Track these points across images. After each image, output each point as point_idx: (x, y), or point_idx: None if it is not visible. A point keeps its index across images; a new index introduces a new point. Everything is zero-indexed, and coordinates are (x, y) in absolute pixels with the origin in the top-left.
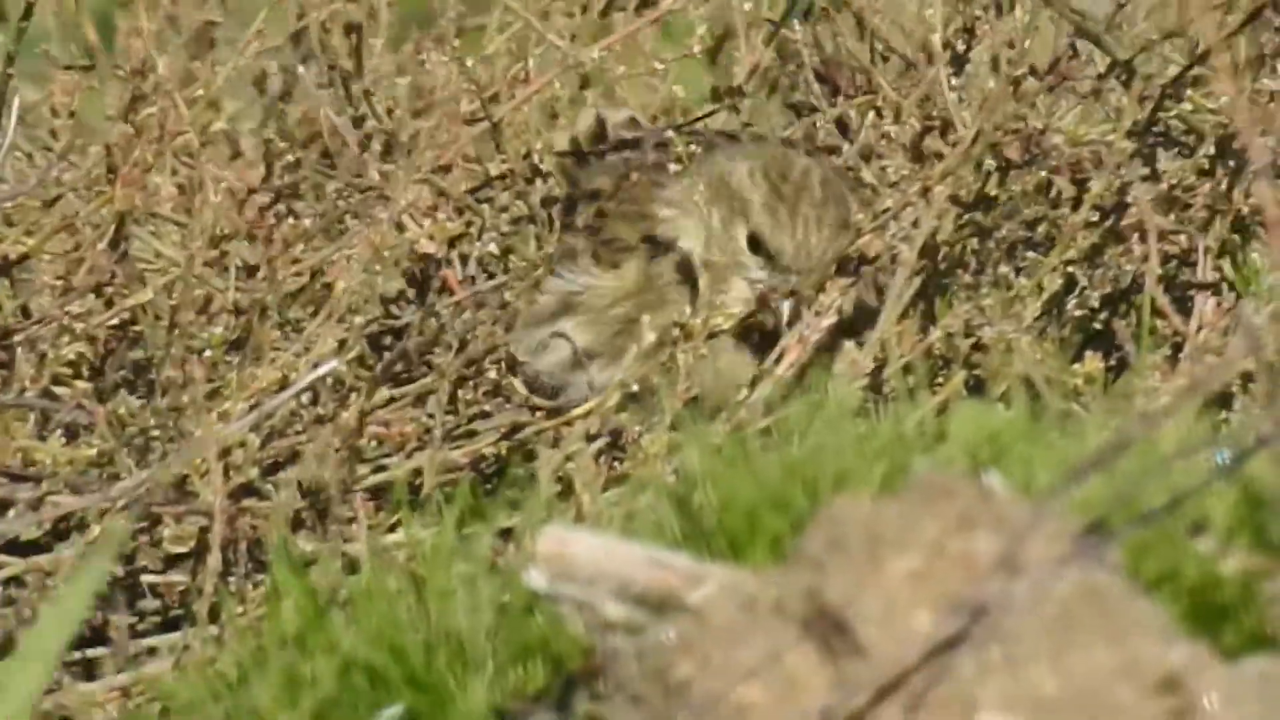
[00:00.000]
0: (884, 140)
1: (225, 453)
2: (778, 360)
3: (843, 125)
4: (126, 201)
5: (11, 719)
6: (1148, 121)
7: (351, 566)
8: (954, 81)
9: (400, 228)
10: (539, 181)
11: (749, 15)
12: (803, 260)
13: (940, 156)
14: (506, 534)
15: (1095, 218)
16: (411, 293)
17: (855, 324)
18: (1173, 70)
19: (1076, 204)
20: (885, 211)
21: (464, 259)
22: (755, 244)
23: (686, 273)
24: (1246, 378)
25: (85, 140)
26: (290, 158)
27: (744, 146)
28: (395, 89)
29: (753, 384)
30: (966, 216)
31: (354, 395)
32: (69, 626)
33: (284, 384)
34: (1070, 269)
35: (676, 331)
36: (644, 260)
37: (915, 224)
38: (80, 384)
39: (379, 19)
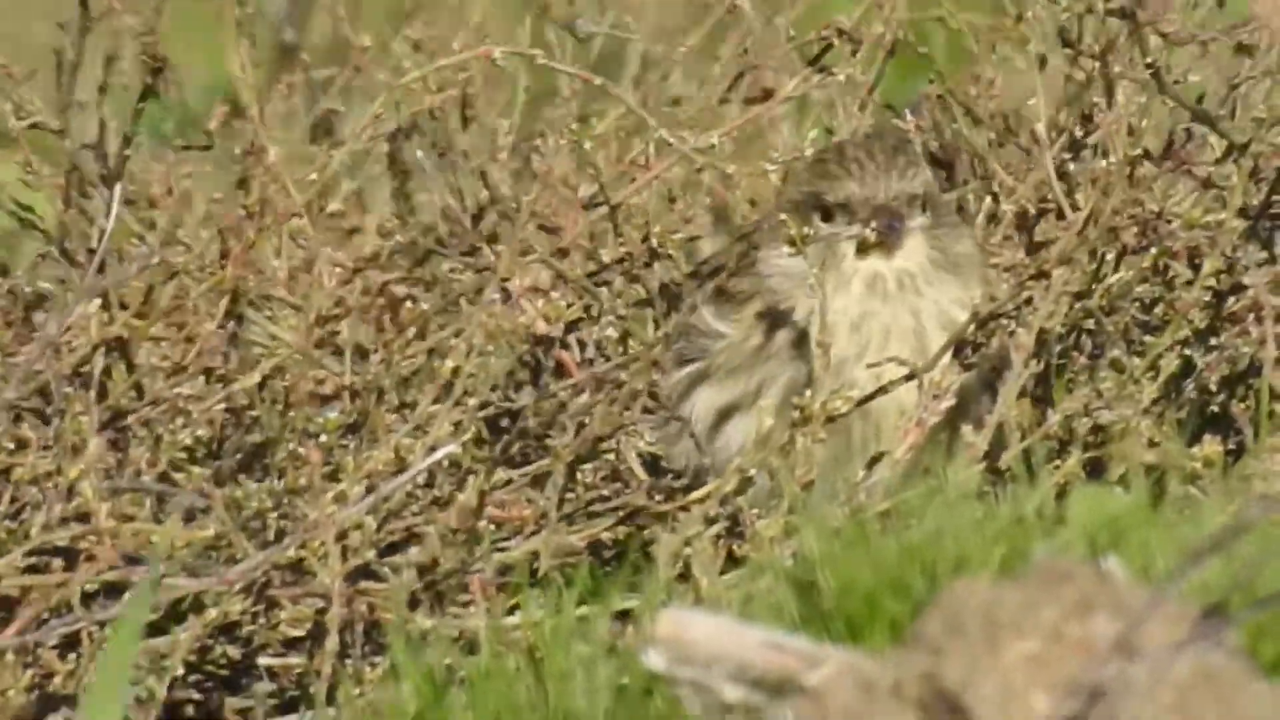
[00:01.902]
0: (996, 224)
1: (342, 535)
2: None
3: (960, 209)
4: (236, 281)
5: None
6: (1264, 203)
7: (470, 647)
8: (1071, 167)
9: (516, 308)
10: (656, 265)
11: (848, 84)
12: (873, 188)
13: (1055, 239)
14: (624, 616)
15: (1210, 298)
16: (527, 375)
17: (973, 407)
18: None
19: (1192, 286)
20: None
21: (581, 344)
22: (827, 214)
23: (800, 349)
24: None
25: (196, 221)
26: (402, 238)
27: None
28: (513, 171)
29: (870, 465)
30: (1082, 300)
31: (471, 477)
32: (116, 687)
33: (400, 466)
34: (1187, 351)
35: (796, 414)
36: (761, 307)
37: (1031, 306)
38: (196, 470)
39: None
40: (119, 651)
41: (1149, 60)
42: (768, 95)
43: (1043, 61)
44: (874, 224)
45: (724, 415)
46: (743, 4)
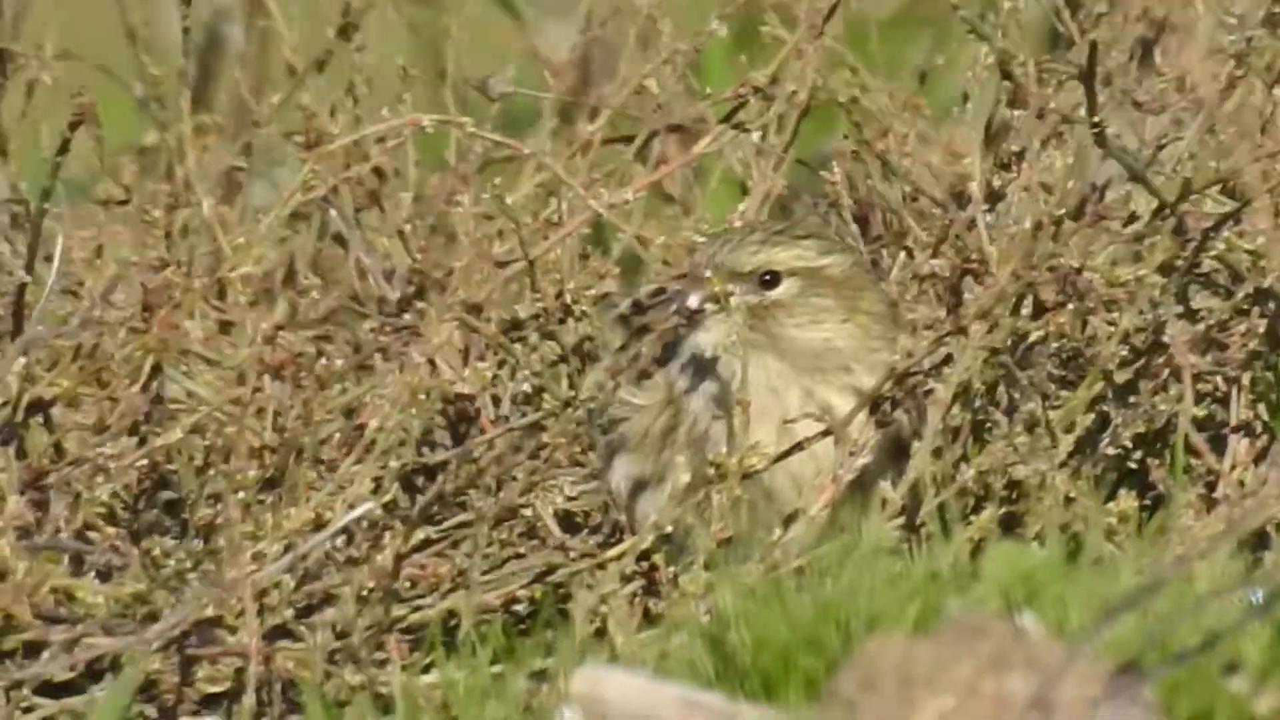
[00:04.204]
0: (915, 280)
1: (261, 594)
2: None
3: (875, 265)
4: (161, 342)
5: None
6: (1189, 263)
7: (386, 707)
8: (989, 219)
9: (434, 367)
10: (571, 321)
11: (761, 150)
12: (708, 258)
13: (974, 294)
14: (540, 675)
15: (1129, 354)
16: (444, 432)
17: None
18: (1210, 207)
19: (1109, 341)
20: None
21: (496, 400)
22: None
23: (722, 405)
24: None
25: (115, 278)
26: (317, 295)
27: None
28: (425, 230)
29: (786, 524)
30: (1001, 356)
31: (389, 536)
32: None
33: (319, 524)
34: (1104, 408)
35: (713, 470)
36: (669, 376)
37: (949, 362)
38: (111, 529)
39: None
40: None
41: (1095, 120)
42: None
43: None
44: (675, 299)
45: (638, 487)
46: (649, 84)
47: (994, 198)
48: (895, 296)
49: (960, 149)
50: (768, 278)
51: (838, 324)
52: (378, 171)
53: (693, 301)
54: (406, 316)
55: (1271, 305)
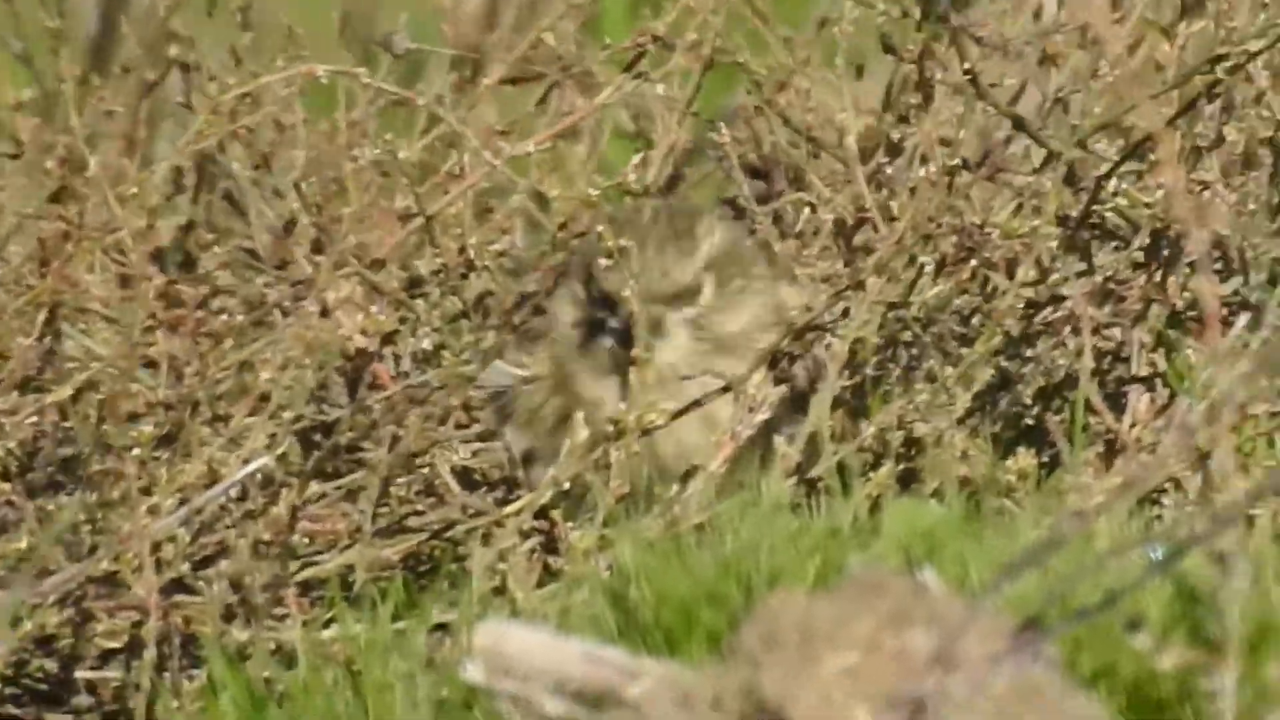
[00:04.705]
0: (815, 234)
1: (157, 548)
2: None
3: (778, 219)
4: (55, 295)
5: None
6: (1082, 214)
7: (288, 661)
8: (888, 175)
9: (330, 321)
10: (473, 277)
11: (667, 103)
12: (624, 285)
13: (872, 249)
14: (442, 629)
15: (1026, 308)
16: (342, 388)
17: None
18: (1106, 165)
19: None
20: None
21: (396, 356)
22: (607, 302)
23: (619, 365)
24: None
25: (9, 232)
26: (217, 250)
27: None
28: (324, 184)
29: (685, 479)
30: (899, 310)
31: (284, 491)
32: None
33: (214, 479)
34: (1003, 363)
35: (611, 427)
36: (564, 341)
37: (846, 317)
38: (5, 485)
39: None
40: None
41: (966, 67)
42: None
43: (858, 71)
44: (611, 334)
45: (529, 457)
46: (547, 37)
47: (893, 151)
48: (794, 249)
49: (864, 103)
50: (690, 290)
51: (748, 297)
52: (277, 125)
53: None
54: (305, 270)
55: (1167, 256)
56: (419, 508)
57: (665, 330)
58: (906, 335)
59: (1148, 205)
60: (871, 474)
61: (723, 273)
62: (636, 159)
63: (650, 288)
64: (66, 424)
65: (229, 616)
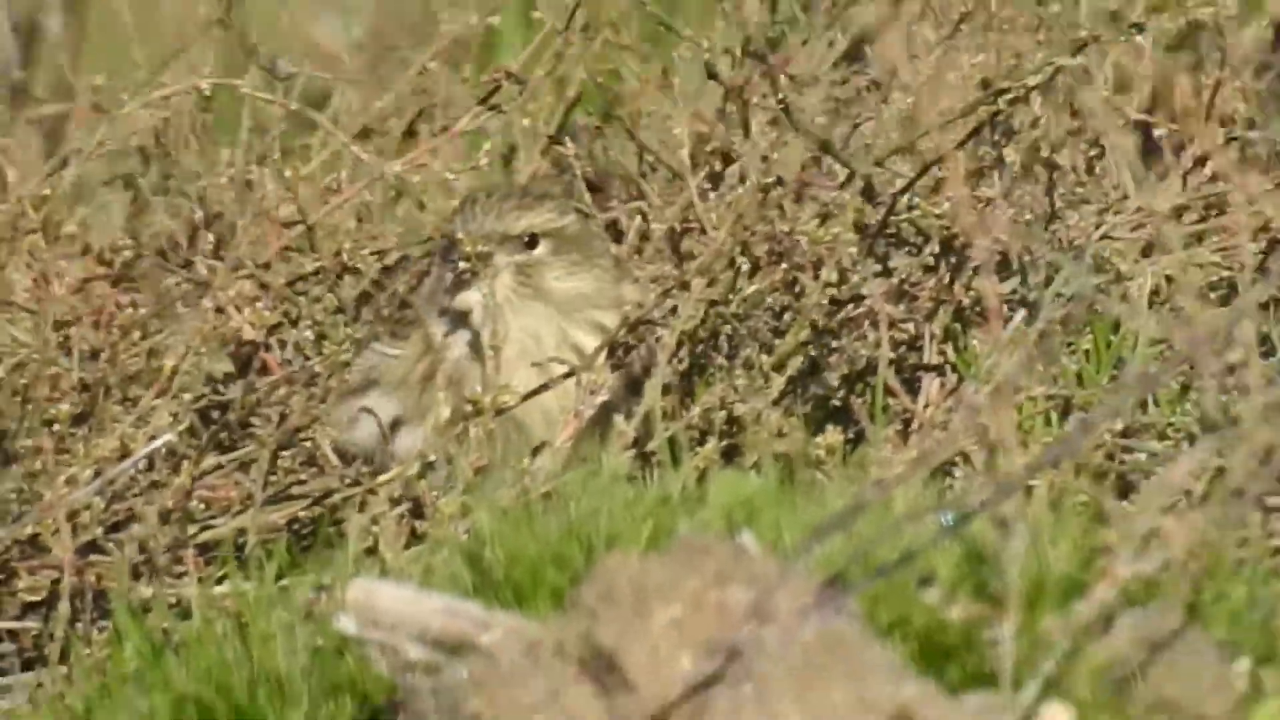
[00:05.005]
0: (646, 241)
1: (73, 514)
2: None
3: (613, 225)
4: None
5: None
6: (880, 224)
7: (184, 614)
8: (712, 192)
9: (225, 315)
10: (348, 277)
11: (530, 131)
12: (463, 229)
13: (697, 254)
14: (320, 586)
15: (831, 305)
16: (235, 373)
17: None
18: (902, 181)
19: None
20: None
21: (283, 344)
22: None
23: (477, 351)
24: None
25: None
26: (129, 254)
27: None
28: (224, 195)
29: (534, 454)
30: (720, 307)
31: (185, 463)
32: None
33: (125, 453)
34: (812, 353)
35: (469, 406)
36: (425, 331)
37: (674, 313)
38: None
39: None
40: None
41: (780, 96)
42: (443, 128)
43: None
44: (445, 265)
45: (396, 424)
46: (432, 66)
47: (718, 167)
48: (627, 253)
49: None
50: (528, 239)
51: (584, 272)
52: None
53: (461, 264)
54: (203, 270)
55: (954, 261)
56: (302, 478)
57: (492, 267)
58: (727, 329)
59: (937, 217)
60: (698, 449)
61: (562, 243)
62: (486, 146)
63: (483, 228)
64: None
65: (135, 575)
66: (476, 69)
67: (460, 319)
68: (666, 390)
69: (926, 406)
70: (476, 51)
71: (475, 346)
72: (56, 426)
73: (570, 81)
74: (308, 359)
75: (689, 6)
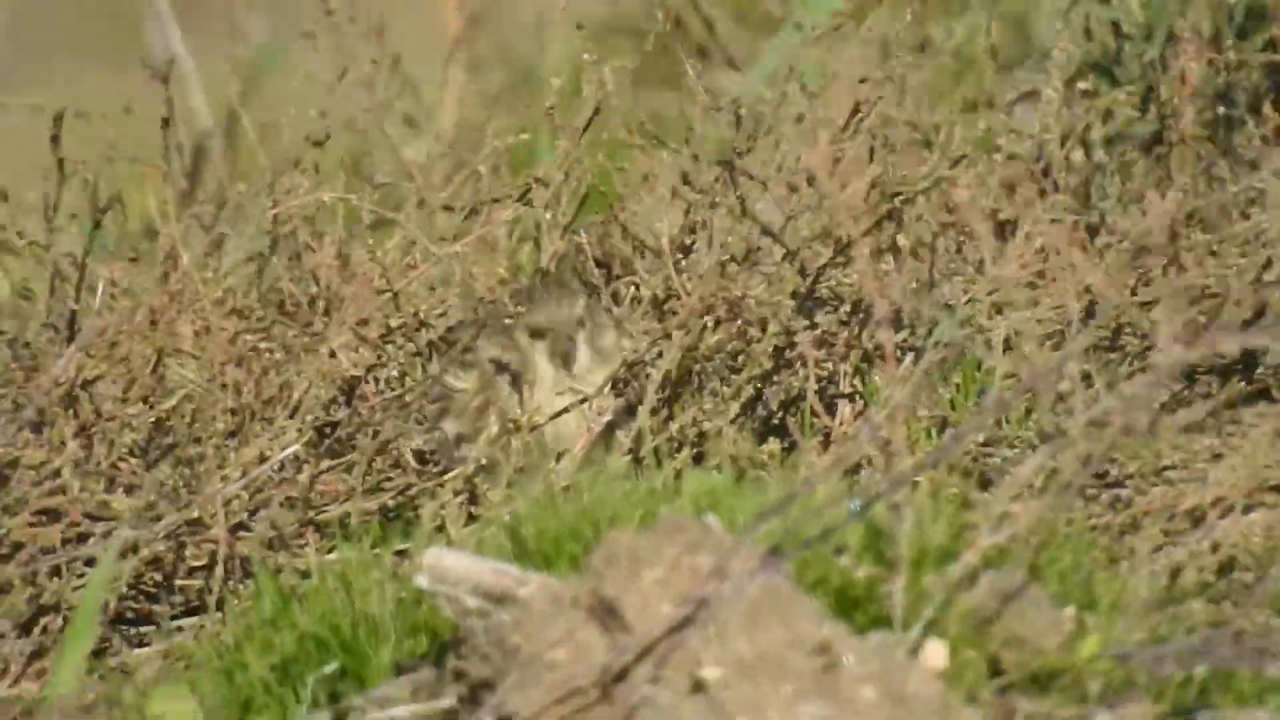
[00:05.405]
0: (638, 304)
1: (226, 502)
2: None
3: (615, 295)
4: (162, 342)
5: (71, 669)
6: (808, 290)
7: (305, 575)
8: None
9: (335, 358)
10: (423, 330)
11: (551, 222)
12: (552, 318)
13: (675, 313)
14: (403, 554)
15: (773, 351)
16: (342, 400)
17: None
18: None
19: (761, 342)
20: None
21: (377, 380)
22: (534, 332)
23: (517, 387)
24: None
25: (134, 306)
26: (265, 313)
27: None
28: (332, 270)
29: (558, 458)
30: (693, 352)
31: (306, 466)
32: (97, 602)
33: (263, 459)
34: (759, 385)
35: (511, 425)
36: (483, 370)
37: (660, 357)
38: (134, 460)
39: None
40: (101, 574)
41: (738, 194)
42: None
43: (673, 192)
44: (554, 348)
45: (459, 440)
46: (482, 169)
47: (687, 249)
48: (625, 314)
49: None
50: (581, 319)
51: (605, 333)
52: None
53: (570, 346)
54: (318, 326)
55: (861, 317)
56: (390, 476)
57: (576, 347)
58: (698, 368)
59: (849, 285)
60: (676, 455)
61: (593, 311)
62: (528, 248)
63: (559, 319)
64: (170, 424)
65: (270, 546)
66: (514, 172)
67: (505, 366)
68: (653, 413)
69: (841, 424)
70: (518, 160)
71: (515, 384)
72: (214, 440)
73: (580, 184)
74: (394, 391)
75: (673, 124)
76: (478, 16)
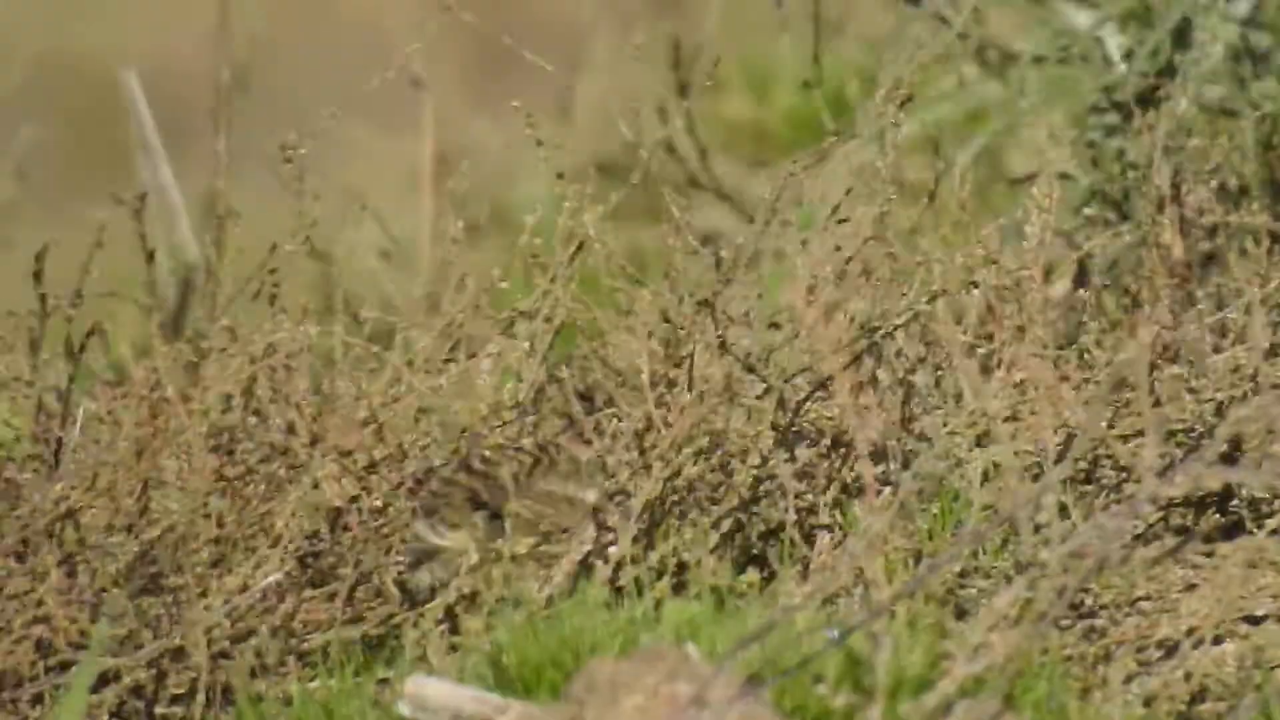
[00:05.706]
0: (619, 436)
1: (208, 630)
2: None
3: (598, 427)
4: (146, 474)
5: None
6: (789, 424)
7: (288, 702)
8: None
9: (318, 488)
10: (406, 461)
11: (531, 353)
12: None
13: (655, 446)
14: (385, 682)
15: (753, 482)
16: (325, 530)
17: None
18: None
19: (740, 473)
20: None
21: (360, 510)
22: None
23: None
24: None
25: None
26: (248, 445)
27: None
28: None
29: (541, 586)
30: (673, 481)
31: (288, 594)
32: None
33: (245, 587)
34: (739, 515)
35: (492, 554)
36: (475, 530)
37: (639, 487)
38: (117, 589)
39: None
40: (74, 701)
41: (718, 331)
42: (473, 355)
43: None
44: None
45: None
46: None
47: (670, 383)
48: (606, 446)
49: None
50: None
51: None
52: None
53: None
54: (302, 456)
55: (843, 450)
56: (372, 605)
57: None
58: (677, 498)
59: (829, 418)
60: (656, 584)
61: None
62: (510, 384)
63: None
64: (153, 551)
65: (253, 674)
66: (496, 308)
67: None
68: (634, 541)
69: (820, 554)
70: (497, 295)
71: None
72: (197, 568)
73: (556, 319)
74: (377, 522)
75: (655, 257)
76: (447, 156)
